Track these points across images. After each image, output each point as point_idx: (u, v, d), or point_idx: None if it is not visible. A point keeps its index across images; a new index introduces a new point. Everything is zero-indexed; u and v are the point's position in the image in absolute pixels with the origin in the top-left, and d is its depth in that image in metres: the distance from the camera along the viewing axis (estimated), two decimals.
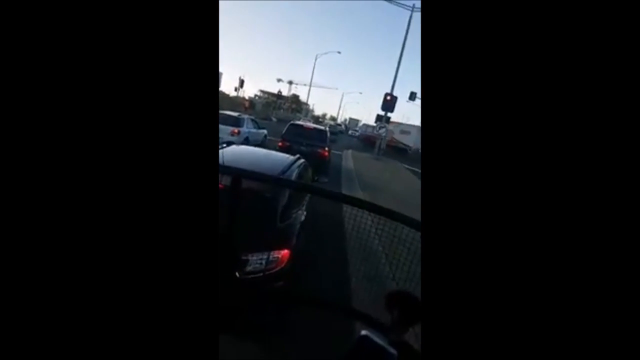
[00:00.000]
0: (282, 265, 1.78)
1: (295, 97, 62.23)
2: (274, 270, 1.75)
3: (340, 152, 13.18)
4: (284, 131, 7.42)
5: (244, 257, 1.69)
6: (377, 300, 0.76)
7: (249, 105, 32.54)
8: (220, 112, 8.60)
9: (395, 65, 15.51)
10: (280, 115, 40.55)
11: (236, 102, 31.58)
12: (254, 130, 9.39)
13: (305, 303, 1.64)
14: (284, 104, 60.30)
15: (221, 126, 7.73)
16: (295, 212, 2.23)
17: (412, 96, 18.47)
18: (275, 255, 1.77)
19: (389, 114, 15.09)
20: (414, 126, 21.66)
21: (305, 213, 2.42)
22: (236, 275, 1.66)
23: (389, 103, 14.71)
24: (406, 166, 14.50)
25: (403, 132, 22.31)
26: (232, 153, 2.72)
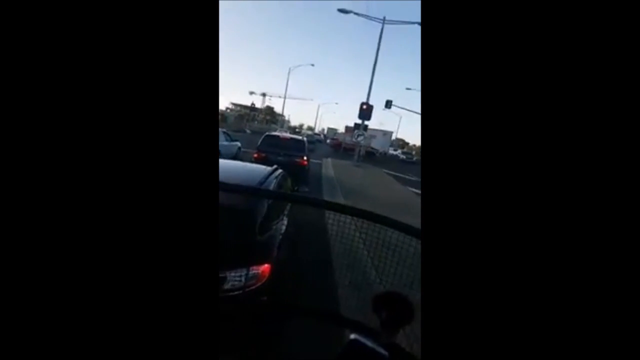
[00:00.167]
0: (264, 280, 1.71)
1: (269, 109, 62.30)
2: (255, 286, 1.67)
3: (319, 161, 13.25)
4: (259, 143, 7.26)
5: (221, 275, 1.60)
6: (365, 307, 0.74)
7: (221, 118, 32.32)
8: None
9: (370, 75, 16.01)
10: (254, 127, 40.32)
11: None
12: (227, 143, 9.26)
13: (292, 313, 1.58)
14: (258, 115, 60.19)
15: None
16: (275, 223, 2.17)
17: (388, 104, 19.08)
18: (255, 271, 1.69)
19: (365, 122, 15.44)
20: (378, 130, 24.01)
21: (286, 224, 2.37)
22: None
23: (366, 112, 15.09)
24: (386, 171, 14.76)
25: (370, 136, 24.76)
26: None
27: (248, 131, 31.02)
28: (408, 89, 27.23)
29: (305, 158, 7.11)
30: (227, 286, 1.62)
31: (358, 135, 15.60)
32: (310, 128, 79.58)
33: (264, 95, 63.65)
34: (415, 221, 1.12)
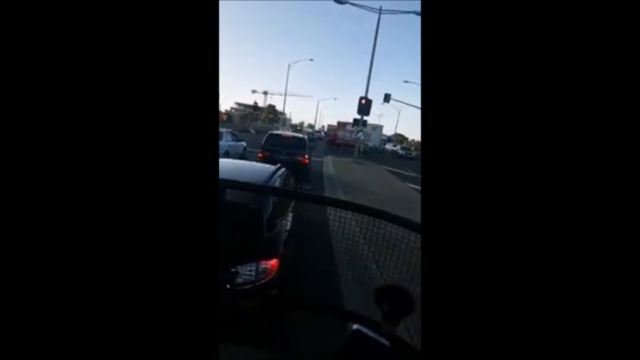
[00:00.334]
0: (272, 274, 1.78)
1: (271, 108, 61.72)
2: (265, 280, 1.75)
3: (320, 159, 13.22)
4: (262, 142, 7.34)
5: (233, 269, 1.68)
6: (367, 300, 0.78)
7: (227, 118, 32.03)
8: None
9: (368, 68, 15.83)
10: (258, 127, 40.04)
11: None
12: (233, 143, 9.29)
13: (297, 307, 1.64)
14: (261, 114, 59.63)
15: None
16: (281, 220, 2.23)
17: (387, 98, 18.88)
18: (265, 265, 1.77)
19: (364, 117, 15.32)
20: (368, 125, 23.89)
21: (291, 220, 2.43)
22: (227, 288, 1.64)
23: (365, 106, 14.93)
24: (385, 167, 14.75)
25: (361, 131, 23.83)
26: None
27: (252, 131, 30.70)
28: (406, 81, 26.97)
29: (306, 156, 7.15)
30: (239, 280, 1.69)
31: (358, 132, 15.50)
32: (310, 125, 78.72)
33: (265, 93, 62.92)
34: (412, 215, 1.18)
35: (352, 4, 14.15)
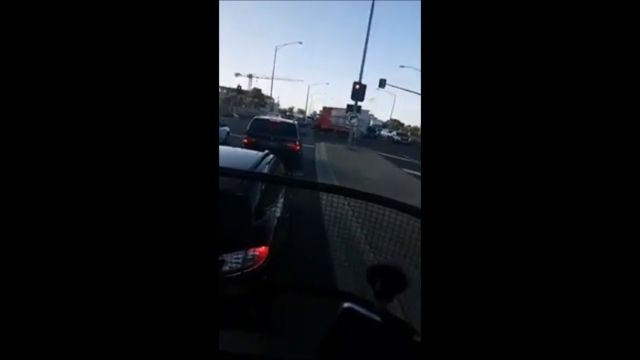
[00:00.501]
0: (262, 261, 1.76)
1: (257, 91, 59.97)
2: (254, 268, 1.73)
3: (312, 146, 13.15)
4: (248, 127, 6.93)
5: (219, 258, 1.65)
6: (361, 281, 0.78)
7: None
8: None
9: (362, 52, 15.57)
10: (242, 111, 38.92)
11: None
12: None
13: (287, 292, 1.64)
14: (246, 98, 58.07)
15: None
16: (270, 208, 2.21)
17: (382, 83, 18.72)
18: (253, 253, 1.75)
19: (359, 103, 15.21)
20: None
21: (281, 207, 2.40)
22: None
23: (359, 92, 14.77)
24: (380, 153, 14.78)
25: (344, 117, 23.64)
26: None
27: (236, 115, 29.79)
28: (402, 66, 26.80)
29: (297, 143, 6.93)
30: (225, 268, 1.66)
31: (352, 118, 15.40)
32: (301, 111, 77.29)
33: (250, 76, 60.61)
34: (409, 200, 1.16)
35: None
